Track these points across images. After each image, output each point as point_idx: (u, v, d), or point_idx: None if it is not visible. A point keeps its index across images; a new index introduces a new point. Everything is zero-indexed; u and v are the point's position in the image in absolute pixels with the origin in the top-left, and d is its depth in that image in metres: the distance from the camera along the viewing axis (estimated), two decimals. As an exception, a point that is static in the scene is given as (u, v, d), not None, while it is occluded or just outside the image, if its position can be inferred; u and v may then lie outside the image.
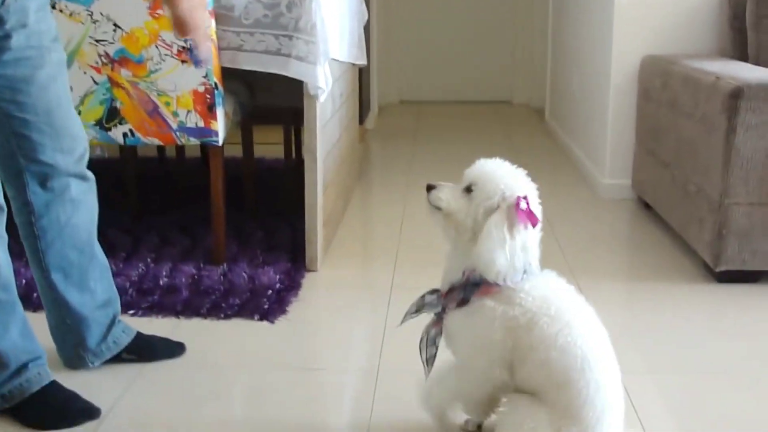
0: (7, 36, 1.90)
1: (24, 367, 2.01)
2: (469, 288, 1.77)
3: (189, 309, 2.67)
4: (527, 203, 1.74)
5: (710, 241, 2.93)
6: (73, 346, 2.24)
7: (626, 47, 3.96)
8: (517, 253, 1.73)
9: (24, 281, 2.76)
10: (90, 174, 2.17)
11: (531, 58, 7.08)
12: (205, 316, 2.64)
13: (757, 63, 3.42)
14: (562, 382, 1.69)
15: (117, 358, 2.30)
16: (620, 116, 4.04)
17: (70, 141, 2.09)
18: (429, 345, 1.85)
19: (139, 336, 2.34)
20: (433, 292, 1.88)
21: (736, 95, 2.78)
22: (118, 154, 4.02)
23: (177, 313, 2.64)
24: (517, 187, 1.77)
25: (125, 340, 2.30)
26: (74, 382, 2.14)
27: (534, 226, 1.75)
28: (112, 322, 2.26)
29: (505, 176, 1.79)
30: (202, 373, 2.30)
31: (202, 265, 3.01)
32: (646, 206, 3.82)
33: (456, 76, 7.24)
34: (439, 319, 1.84)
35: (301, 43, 2.82)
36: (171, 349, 2.38)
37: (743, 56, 3.58)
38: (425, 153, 5.20)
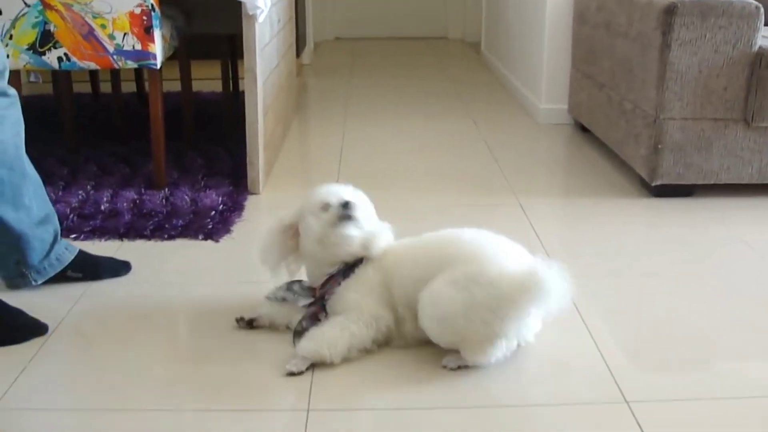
0: None
1: None
2: (346, 270, 1.98)
3: (132, 231, 2.65)
4: None
5: (646, 156, 2.99)
6: (14, 264, 2.21)
7: (561, -27, 3.99)
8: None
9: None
10: (12, 90, 2.11)
11: (466, -6, 7.09)
12: (148, 237, 2.63)
13: (689, -16, 3.47)
14: (435, 256, 1.90)
15: (62, 278, 2.28)
16: (556, 42, 4.08)
17: None
18: (300, 335, 1.94)
19: (83, 254, 2.32)
20: (294, 283, 2.06)
21: (671, 11, 2.82)
22: (51, 82, 3.96)
23: (120, 236, 2.63)
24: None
25: (68, 257, 2.27)
26: (19, 301, 2.12)
27: None
28: (54, 239, 2.24)
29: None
30: (149, 289, 2.29)
31: (143, 191, 2.99)
32: (583, 129, 3.88)
33: (391, 12, 7.23)
34: (319, 307, 1.98)
35: (238, -38, 2.80)
36: (117, 267, 2.37)
37: (676, -21, 3.63)
38: (362, 87, 5.20)
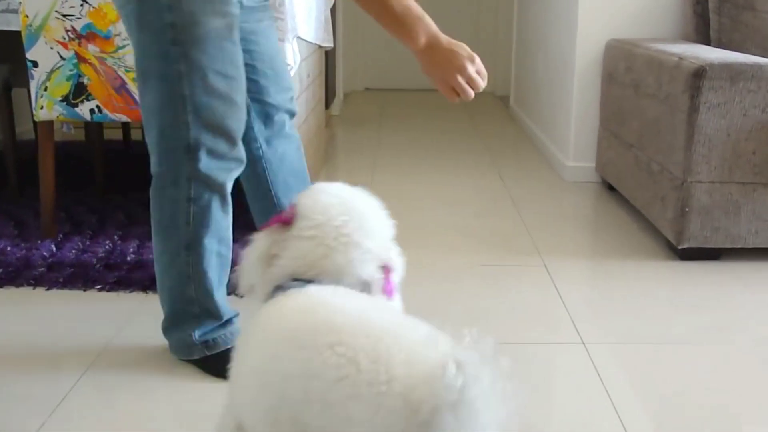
0: None
1: (230, 321, 2.14)
2: None
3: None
4: None
5: (673, 219, 2.98)
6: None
7: (590, 32, 4.01)
8: None
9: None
10: (296, 109, 2.40)
11: (495, 47, 7.14)
12: (173, 290, 2.63)
13: (719, 46, 3.48)
14: None
15: None
16: (584, 100, 4.09)
17: (286, 81, 2.34)
18: None
19: None
20: None
21: (699, 75, 2.83)
22: (83, 133, 4.02)
23: (144, 288, 2.64)
24: None
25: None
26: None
27: None
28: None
29: None
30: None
31: (169, 242, 3.01)
32: (610, 188, 3.88)
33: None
34: None
35: (270, 19, 2.83)
36: None
37: (705, 40, 3.64)
38: (391, 138, 5.23)
